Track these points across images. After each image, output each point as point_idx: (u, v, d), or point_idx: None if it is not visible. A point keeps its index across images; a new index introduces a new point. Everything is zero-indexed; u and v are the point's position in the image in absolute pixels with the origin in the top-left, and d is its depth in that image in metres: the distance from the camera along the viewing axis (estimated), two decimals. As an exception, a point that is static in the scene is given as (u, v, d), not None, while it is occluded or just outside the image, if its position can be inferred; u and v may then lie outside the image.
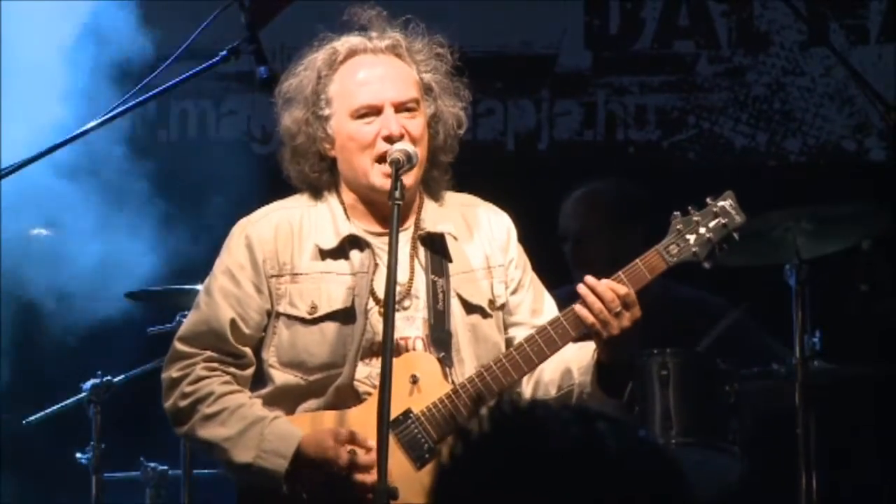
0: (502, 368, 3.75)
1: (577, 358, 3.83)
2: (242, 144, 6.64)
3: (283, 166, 3.90)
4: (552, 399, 3.83)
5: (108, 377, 5.51)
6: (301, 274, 3.81)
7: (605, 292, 3.69)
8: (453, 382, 3.78)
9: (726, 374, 5.25)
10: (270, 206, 3.92)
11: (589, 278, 3.73)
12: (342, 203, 3.85)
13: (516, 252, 3.97)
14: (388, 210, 3.65)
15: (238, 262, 3.83)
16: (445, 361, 3.78)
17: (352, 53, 3.85)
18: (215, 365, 3.81)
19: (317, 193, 3.88)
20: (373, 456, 3.60)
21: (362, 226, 3.84)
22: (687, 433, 5.16)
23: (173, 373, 3.83)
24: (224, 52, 4.02)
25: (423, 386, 3.76)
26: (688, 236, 3.77)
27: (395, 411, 3.66)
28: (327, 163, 3.86)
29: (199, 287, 5.18)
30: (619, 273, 3.78)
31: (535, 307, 3.96)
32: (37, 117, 5.13)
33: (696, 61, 6.54)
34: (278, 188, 3.99)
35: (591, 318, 3.70)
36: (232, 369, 3.81)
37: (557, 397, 3.83)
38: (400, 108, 3.79)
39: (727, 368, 5.26)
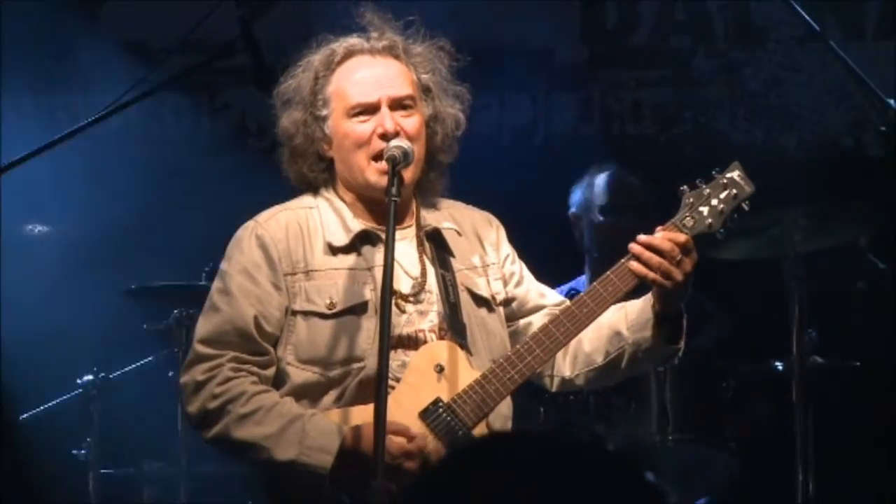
0: (542, 345, 3.77)
1: (621, 319, 3.86)
2: (237, 139, 6.63)
3: (282, 166, 3.91)
4: (598, 368, 3.87)
5: (105, 373, 5.51)
6: (315, 270, 3.82)
7: (662, 244, 3.73)
8: (478, 369, 3.80)
9: (724, 371, 5.25)
10: (275, 208, 3.92)
11: (641, 236, 3.76)
12: (344, 202, 3.88)
13: (509, 248, 4.02)
14: (386, 208, 3.65)
15: (253, 261, 3.83)
16: (466, 349, 3.81)
17: (349, 54, 3.86)
18: (241, 366, 3.78)
19: (316, 194, 3.90)
20: (416, 443, 3.66)
21: (367, 223, 3.86)
22: (684, 430, 5.16)
23: (198, 376, 3.77)
24: (219, 48, 4.03)
25: (448, 375, 3.78)
26: (701, 209, 3.82)
27: (424, 401, 3.73)
28: (325, 163, 3.89)
29: (198, 283, 5.22)
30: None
31: (541, 290, 4.02)
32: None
33: (692, 56, 6.54)
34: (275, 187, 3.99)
35: (651, 274, 3.73)
36: (256, 369, 3.79)
37: (606, 364, 3.86)
38: (395, 105, 3.81)
39: (725, 365, 5.26)
